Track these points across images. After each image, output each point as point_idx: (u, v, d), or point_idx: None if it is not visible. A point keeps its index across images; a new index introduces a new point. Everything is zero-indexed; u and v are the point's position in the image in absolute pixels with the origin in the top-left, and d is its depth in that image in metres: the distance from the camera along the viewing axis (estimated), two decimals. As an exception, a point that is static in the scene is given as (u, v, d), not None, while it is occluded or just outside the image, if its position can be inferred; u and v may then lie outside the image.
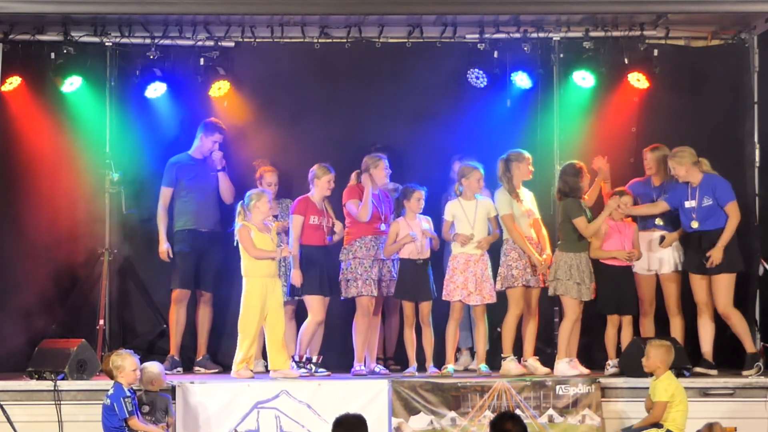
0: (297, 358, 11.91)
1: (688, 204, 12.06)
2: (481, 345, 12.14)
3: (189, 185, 12.74)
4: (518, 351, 12.15)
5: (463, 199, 12.05)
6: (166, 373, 11.45)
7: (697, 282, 12.13)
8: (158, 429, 10.68)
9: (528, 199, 12.18)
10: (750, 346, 12.07)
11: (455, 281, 11.95)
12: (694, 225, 12.03)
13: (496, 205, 12.10)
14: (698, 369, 11.95)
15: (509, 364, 11.94)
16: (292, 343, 12.68)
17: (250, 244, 11.69)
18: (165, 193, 12.80)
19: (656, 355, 10.81)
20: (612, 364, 12.00)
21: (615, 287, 12.03)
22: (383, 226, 12.21)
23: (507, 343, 12.05)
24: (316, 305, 12.01)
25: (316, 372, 11.80)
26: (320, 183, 12.19)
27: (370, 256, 12.13)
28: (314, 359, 11.93)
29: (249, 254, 11.71)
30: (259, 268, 11.73)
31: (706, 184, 12.02)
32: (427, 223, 12.13)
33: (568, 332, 11.97)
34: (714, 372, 11.95)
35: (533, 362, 12.01)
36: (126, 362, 10.60)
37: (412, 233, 11.96)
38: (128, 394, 10.51)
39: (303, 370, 11.81)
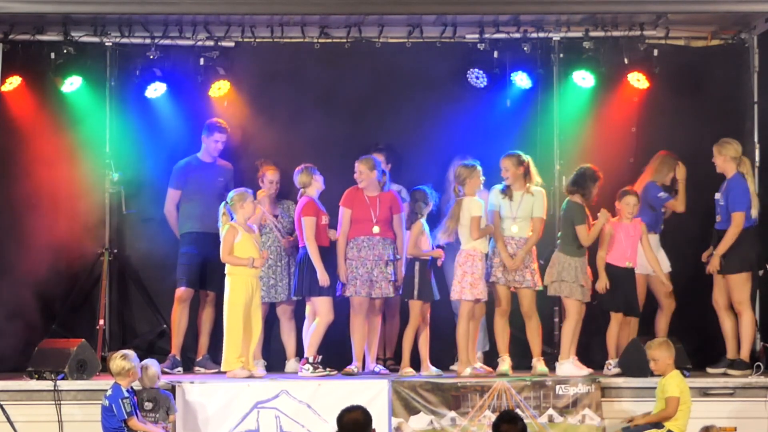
0: (311, 360, 11.90)
1: (716, 196, 12.22)
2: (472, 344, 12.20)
3: (196, 188, 12.75)
4: (517, 351, 12.20)
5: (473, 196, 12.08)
6: (166, 372, 11.48)
7: (716, 282, 12.25)
8: (158, 428, 10.68)
9: (528, 199, 12.12)
10: (746, 352, 12.09)
11: (474, 279, 11.95)
12: (718, 219, 12.16)
13: (489, 200, 12.17)
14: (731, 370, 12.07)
15: (499, 363, 12.00)
16: (292, 342, 12.71)
17: (228, 248, 11.69)
18: (173, 195, 12.81)
19: (662, 355, 10.79)
20: (613, 363, 12.00)
21: (617, 286, 12.02)
22: (376, 228, 12.18)
23: (498, 343, 12.12)
24: (326, 306, 12.01)
25: (325, 371, 11.83)
26: (315, 184, 12.20)
27: (361, 257, 12.14)
28: (311, 359, 11.94)
29: (222, 256, 11.73)
30: (244, 269, 11.72)
31: (730, 183, 12.13)
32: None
33: (571, 333, 11.97)
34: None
35: (535, 362, 12.03)
36: (132, 364, 10.61)
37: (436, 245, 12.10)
38: (126, 395, 10.51)
39: (320, 369, 11.82)
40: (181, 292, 12.60)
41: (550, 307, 12.66)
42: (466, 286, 11.91)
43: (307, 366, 11.86)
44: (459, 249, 12.06)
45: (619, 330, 12.07)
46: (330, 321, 12.00)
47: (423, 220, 12.10)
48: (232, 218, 11.80)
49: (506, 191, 12.06)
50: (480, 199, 12.04)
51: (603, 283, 11.98)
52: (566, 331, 12.02)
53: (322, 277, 11.92)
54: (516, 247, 12.03)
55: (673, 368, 10.78)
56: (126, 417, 10.44)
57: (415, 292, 12.01)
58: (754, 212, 12.09)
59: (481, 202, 12.00)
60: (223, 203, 11.86)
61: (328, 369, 11.86)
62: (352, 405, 8.42)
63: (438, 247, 12.15)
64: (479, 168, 12.06)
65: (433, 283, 12.06)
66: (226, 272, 11.81)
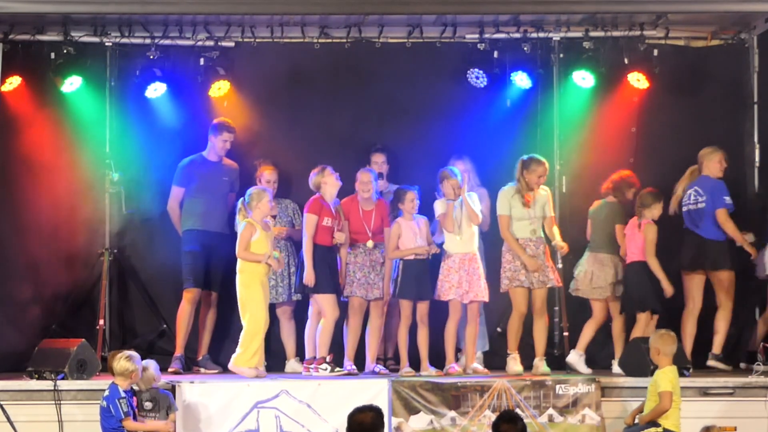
0: (328, 359, 11.89)
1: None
2: (471, 345, 12.18)
3: (200, 186, 12.73)
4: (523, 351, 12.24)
5: (448, 199, 12.11)
6: (178, 373, 11.53)
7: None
8: (155, 422, 10.63)
9: (540, 199, 12.17)
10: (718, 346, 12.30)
11: (450, 280, 11.98)
12: None
13: (497, 204, 12.13)
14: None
15: (509, 362, 12.03)
16: (292, 342, 12.71)
17: (245, 244, 11.68)
18: (176, 192, 12.80)
19: (654, 346, 10.81)
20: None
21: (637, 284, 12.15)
22: (370, 243, 12.27)
23: (510, 341, 12.13)
24: (330, 304, 12.01)
25: (335, 370, 11.88)
26: (327, 186, 12.20)
27: (358, 262, 12.23)
28: (328, 359, 11.96)
29: (237, 251, 11.72)
30: (257, 266, 11.73)
31: None
32: (425, 226, 12.18)
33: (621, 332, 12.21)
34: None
35: (537, 362, 12.06)
36: (136, 366, 10.59)
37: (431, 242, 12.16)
38: (123, 395, 10.48)
39: (338, 369, 11.85)
40: (192, 292, 12.55)
41: (550, 308, 12.65)
42: (440, 286, 11.98)
43: (324, 366, 11.83)
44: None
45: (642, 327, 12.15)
46: (336, 317, 11.99)
47: (402, 220, 12.08)
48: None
49: (525, 200, 12.07)
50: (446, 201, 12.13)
51: (669, 288, 12.08)
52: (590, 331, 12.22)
53: (309, 276, 11.93)
54: (535, 248, 12.06)
55: (670, 362, 10.76)
56: (123, 417, 10.42)
57: (397, 291, 12.05)
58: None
59: (443, 203, 12.05)
60: (241, 200, 11.87)
61: (337, 369, 11.87)
62: (366, 405, 8.46)
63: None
64: (457, 177, 12.05)
65: (416, 281, 12.03)
66: (237, 270, 11.81)
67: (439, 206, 12.15)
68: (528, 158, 12.15)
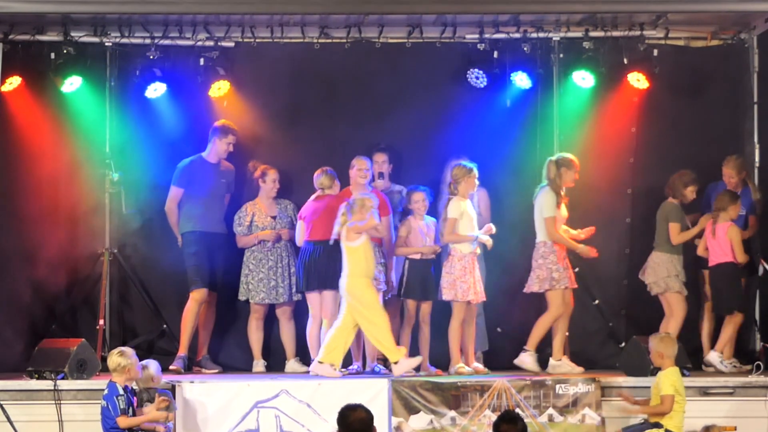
0: None
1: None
2: (470, 344, 12.18)
3: (199, 188, 12.74)
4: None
5: (463, 198, 12.08)
6: (180, 372, 11.54)
7: None
8: (148, 415, 10.59)
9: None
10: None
11: (467, 281, 11.94)
12: None
13: (541, 206, 12.12)
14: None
15: (527, 358, 12.06)
16: (292, 342, 12.71)
17: (373, 224, 11.67)
18: (175, 193, 12.80)
19: (655, 349, 10.82)
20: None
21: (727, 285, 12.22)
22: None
23: (534, 339, 12.12)
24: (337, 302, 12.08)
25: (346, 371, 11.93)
26: (336, 187, 12.34)
27: None
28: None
29: (381, 229, 11.77)
30: (369, 268, 11.71)
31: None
32: (433, 226, 12.20)
33: (678, 330, 12.11)
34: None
35: (567, 361, 12.10)
36: (129, 361, 10.57)
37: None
38: (121, 392, 10.46)
39: (343, 370, 11.86)
40: (201, 293, 12.55)
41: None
42: (444, 287, 11.96)
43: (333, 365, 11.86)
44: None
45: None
46: None
47: (413, 219, 12.09)
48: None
49: (561, 201, 12.12)
50: (465, 200, 12.10)
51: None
52: (672, 329, 12.09)
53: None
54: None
55: (672, 364, 10.77)
56: (120, 414, 10.39)
57: (402, 290, 12.04)
58: None
59: (461, 205, 12.02)
60: (345, 203, 11.83)
61: (341, 369, 11.88)
62: (351, 404, 8.41)
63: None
64: (475, 171, 12.08)
65: (422, 281, 12.04)
66: (351, 275, 11.70)
67: (453, 208, 12.05)
68: (564, 157, 12.15)
